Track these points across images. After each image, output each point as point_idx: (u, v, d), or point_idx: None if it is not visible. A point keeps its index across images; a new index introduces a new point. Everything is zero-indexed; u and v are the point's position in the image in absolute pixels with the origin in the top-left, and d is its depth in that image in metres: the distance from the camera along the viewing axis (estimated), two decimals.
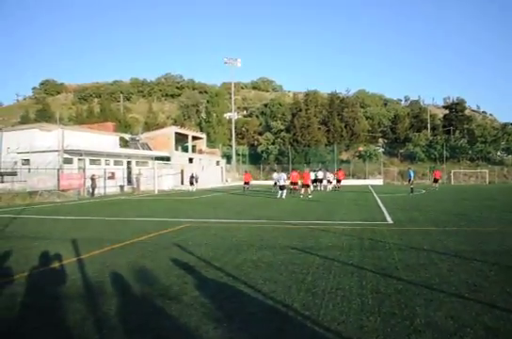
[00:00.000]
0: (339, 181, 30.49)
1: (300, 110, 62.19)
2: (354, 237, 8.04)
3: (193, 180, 31.18)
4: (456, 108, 68.21)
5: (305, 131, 58.40)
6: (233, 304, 4.03)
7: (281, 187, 21.52)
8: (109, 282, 4.94)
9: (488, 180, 49.22)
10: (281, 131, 64.53)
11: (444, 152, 55.64)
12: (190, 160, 40.22)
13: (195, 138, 46.08)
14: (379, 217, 11.99)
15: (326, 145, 58.98)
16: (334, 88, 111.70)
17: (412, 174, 26.36)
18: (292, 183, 23.84)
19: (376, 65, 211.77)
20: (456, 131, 63.34)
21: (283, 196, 21.05)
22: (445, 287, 4.55)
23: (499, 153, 57.37)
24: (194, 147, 46.09)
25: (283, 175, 22.21)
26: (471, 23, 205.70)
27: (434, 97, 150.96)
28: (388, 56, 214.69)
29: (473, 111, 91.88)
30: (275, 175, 27.98)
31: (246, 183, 28.93)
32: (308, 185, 23.25)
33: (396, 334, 3.26)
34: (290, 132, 61.02)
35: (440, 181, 32.11)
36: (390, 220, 11.01)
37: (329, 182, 30.36)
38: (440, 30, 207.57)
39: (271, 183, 30.12)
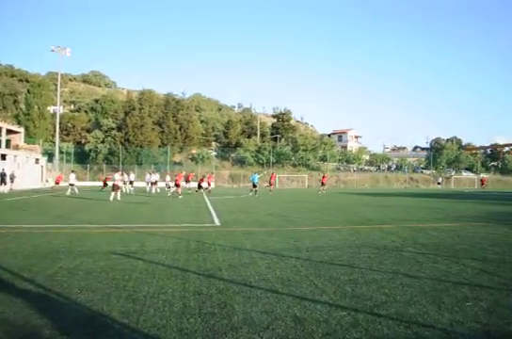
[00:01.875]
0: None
1: (134, 109, 60.40)
2: (181, 240, 8.06)
3: (6, 179, 27.48)
4: (282, 118, 74.89)
5: (138, 131, 56.83)
6: (43, 319, 3.62)
7: (114, 188, 20.40)
8: None
9: (307, 184, 54.91)
10: (113, 129, 61.43)
11: (271, 157, 60.39)
12: (3, 157, 35.44)
13: (10, 132, 40.84)
14: (208, 219, 12.30)
15: (159, 146, 58.43)
16: (170, 90, 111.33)
17: (256, 178, 28.41)
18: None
19: (212, 70, 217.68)
20: (281, 139, 69.48)
21: (118, 197, 20.13)
22: (263, 284, 4.84)
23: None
24: (8, 142, 40.78)
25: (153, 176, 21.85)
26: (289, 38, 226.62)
27: (264, 106, 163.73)
28: (224, 62, 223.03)
29: (298, 122, 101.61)
30: (148, 176, 29.91)
31: (56, 183, 31.09)
32: (179, 185, 24.59)
33: (214, 333, 3.32)
34: (122, 131, 58.57)
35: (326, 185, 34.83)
36: (217, 222, 11.36)
37: (155, 184, 30.03)
38: (259, 45, 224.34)
39: (99, 184, 28.80)
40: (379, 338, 3.28)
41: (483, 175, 63.52)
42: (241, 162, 62.16)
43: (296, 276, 5.25)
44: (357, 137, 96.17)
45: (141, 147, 56.22)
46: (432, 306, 4.10)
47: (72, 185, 26.53)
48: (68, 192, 25.28)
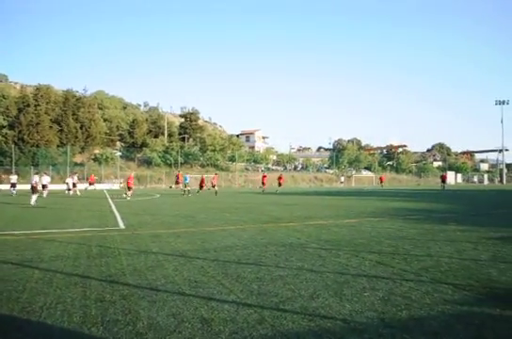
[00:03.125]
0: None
1: (29, 105, 55.86)
2: (82, 245, 7.62)
3: None
4: (190, 118, 74.26)
5: (33, 129, 52.59)
6: None
7: (33, 191, 19.28)
8: None
9: None
10: (4, 127, 56.13)
11: (179, 157, 59.52)
12: None
13: None
14: (112, 222, 11.78)
15: (58, 146, 54.68)
16: (70, 86, 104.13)
17: (188, 179, 30.61)
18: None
19: (116, 66, 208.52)
20: (190, 139, 68.82)
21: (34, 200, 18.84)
22: (169, 287, 4.76)
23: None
24: None
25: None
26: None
27: (172, 105, 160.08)
28: (129, 59, 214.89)
29: (206, 122, 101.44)
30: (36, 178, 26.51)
31: None
32: (130, 188, 24.82)
33: None
34: (15, 129, 53.73)
35: (266, 185, 35.56)
36: (122, 225, 10.93)
37: (45, 187, 27.32)
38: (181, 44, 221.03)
39: None
40: (284, 333, 3.38)
41: (382, 173, 68.02)
42: (147, 162, 60.42)
43: (203, 277, 5.23)
44: (264, 137, 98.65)
45: (38, 147, 52.10)
46: (334, 298, 4.33)
47: None
48: None
